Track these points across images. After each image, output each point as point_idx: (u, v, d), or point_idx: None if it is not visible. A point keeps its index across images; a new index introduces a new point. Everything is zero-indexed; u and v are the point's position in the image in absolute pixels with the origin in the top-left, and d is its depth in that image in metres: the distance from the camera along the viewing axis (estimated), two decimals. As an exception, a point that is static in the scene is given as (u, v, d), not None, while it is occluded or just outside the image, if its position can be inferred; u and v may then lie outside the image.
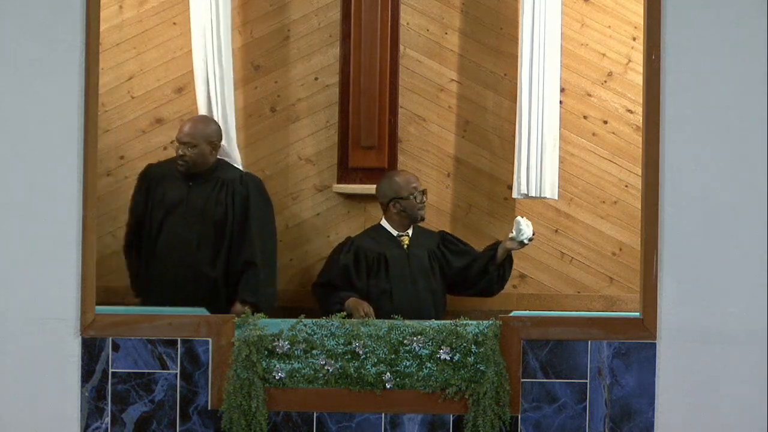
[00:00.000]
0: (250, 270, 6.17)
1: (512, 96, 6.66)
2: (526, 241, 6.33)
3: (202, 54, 6.45)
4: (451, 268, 6.42)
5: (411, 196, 6.38)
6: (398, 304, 6.28)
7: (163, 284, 6.20)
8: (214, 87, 6.44)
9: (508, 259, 6.41)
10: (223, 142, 6.36)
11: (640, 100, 5.76)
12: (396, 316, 5.24)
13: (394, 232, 6.44)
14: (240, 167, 6.42)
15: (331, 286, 6.32)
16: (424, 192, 6.42)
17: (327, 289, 6.31)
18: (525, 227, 6.29)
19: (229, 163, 6.39)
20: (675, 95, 5.01)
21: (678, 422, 5.08)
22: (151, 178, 6.35)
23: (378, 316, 6.04)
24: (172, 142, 6.45)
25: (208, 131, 6.28)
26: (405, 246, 6.42)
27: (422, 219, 6.44)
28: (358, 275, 6.33)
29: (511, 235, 6.33)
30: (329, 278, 6.34)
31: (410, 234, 6.44)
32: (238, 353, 5.13)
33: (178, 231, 6.22)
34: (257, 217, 6.22)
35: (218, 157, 6.35)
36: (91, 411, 5.12)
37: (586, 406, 5.13)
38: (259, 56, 6.74)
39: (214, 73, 6.44)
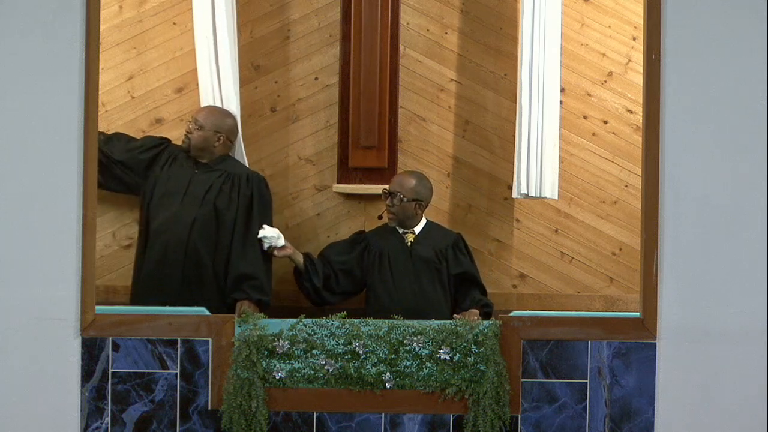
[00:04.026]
0: (254, 277, 6.21)
1: (512, 96, 6.66)
2: (279, 242, 6.25)
3: (207, 54, 6.45)
4: (448, 272, 6.43)
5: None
6: (399, 299, 6.30)
7: (156, 264, 6.24)
8: (218, 87, 6.45)
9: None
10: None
11: (640, 100, 5.77)
12: (396, 316, 5.24)
13: (400, 229, 6.46)
14: (247, 165, 6.47)
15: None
16: (388, 194, 6.42)
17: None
18: (264, 235, 6.23)
19: (237, 160, 6.43)
20: (675, 95, 5.01)
21: (678, 422, 5.08)
22: (167, 151, 6.45)
23: (381, 311, 6.05)
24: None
25: (220, 122, 6.35)
26: (409, 243, 6.43)
27: (390, 222, 6.44)
28: (344, 250, 6.41)
29: (268, 246, 6.25)
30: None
31: (417, 231, 6.45)
32: (238, 353, 5.13)
33: (175, 212, 6.27)
34: (259, 223, 6.26)
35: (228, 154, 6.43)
36: (91, 411, 5.12)
37: (586, 406, 5.13)
38: (259, 56, 6.74)
39: (218, 72, 6.44)
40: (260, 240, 6.22)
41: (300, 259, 6.34)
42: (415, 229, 6.47)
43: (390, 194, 6.41)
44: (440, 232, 6.49)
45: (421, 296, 6.36)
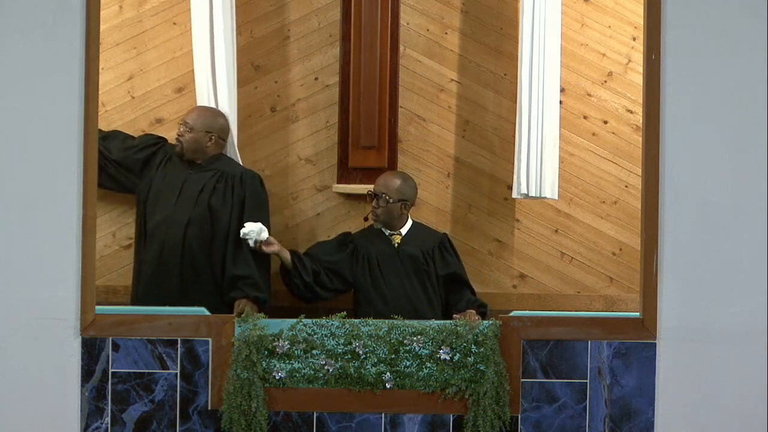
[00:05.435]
0: (249, 276, 6.21)
1: (512, 96, 6.66)
2: (263, 236, 6.21)
3: (204, 55, 6.44)
4: (436, 272, 6.44)
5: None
6: (392, 301, 6.31)
7: (153, 265, 6.24)
8: (213, 87, 6.44)
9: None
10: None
11: (640, 100, 5.77)
12: (395, 316, 5.24)
13: (386, 231, 6.46)
14: (240, 163, 6.46)
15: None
16: (373, 196, 6.42)
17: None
18: (245, 233, 6.20)
19: (231, 159, 6.43)
20: (675, 95, 5.01)
21: (678, 422, 5.08)
22: (162, 150, 6.45)
23: (374, 314, 6.04)
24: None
25: (210, 122, 6.34)
26: (396, 244, 6.44)
27: (376, 223, 6.45)
28: (333, 250, 6.40)
29: (254, 242, 6.22)
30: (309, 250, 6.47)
31: (403, 233, 6.45)
32: (238, 353, 5.13)
33: (170, 212, 6.27)
34: (254, 222, 6.26)
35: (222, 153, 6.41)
36: (91, 411, 5.12)
37: (586, 406, 5.13)
38: (259, 56, 6.74)
39: (214, 73, 6.44)
40: (244, 239, 6.20)
41: (287, 255, 6.33)
42: (401, 230, 6.47)
43: (375, 196, 6.41)
44: (426, 233, 6.50)
45: (413, 297, 6.36)
